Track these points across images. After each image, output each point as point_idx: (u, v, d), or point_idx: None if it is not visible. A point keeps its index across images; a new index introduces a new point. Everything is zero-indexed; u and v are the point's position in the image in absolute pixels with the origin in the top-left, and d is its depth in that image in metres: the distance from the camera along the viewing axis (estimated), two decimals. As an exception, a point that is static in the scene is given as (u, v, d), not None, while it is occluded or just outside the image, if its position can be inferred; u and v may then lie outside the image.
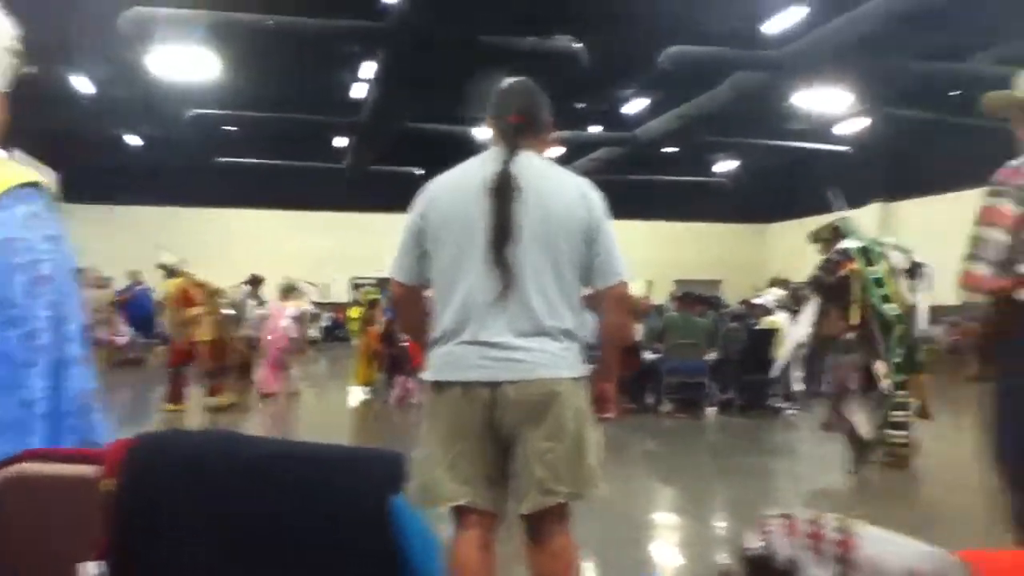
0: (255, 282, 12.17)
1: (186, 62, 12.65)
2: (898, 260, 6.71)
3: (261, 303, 11.68)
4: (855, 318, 6.54)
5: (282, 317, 10.92)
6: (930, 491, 6.35)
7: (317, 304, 19.29)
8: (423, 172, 17.30)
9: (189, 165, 20.13)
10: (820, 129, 18.58)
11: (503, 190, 2.43)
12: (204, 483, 1.32)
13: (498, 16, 11.20)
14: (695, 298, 11.09)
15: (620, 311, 2.59)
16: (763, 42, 13.24)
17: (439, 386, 2.48)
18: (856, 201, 21.72)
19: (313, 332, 17.09)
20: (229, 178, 21.36)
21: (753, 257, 24.86)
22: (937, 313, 7.49)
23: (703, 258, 25.05)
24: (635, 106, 18.74)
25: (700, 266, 24.57)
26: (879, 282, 6.56)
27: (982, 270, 2.99)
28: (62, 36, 11.44)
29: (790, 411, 9.72)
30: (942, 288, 4.75)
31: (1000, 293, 2.99)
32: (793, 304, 10.54)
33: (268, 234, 22.77)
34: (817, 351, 7.24)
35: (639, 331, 10.60)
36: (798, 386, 9.29)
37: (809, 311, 7.11)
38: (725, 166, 23.79)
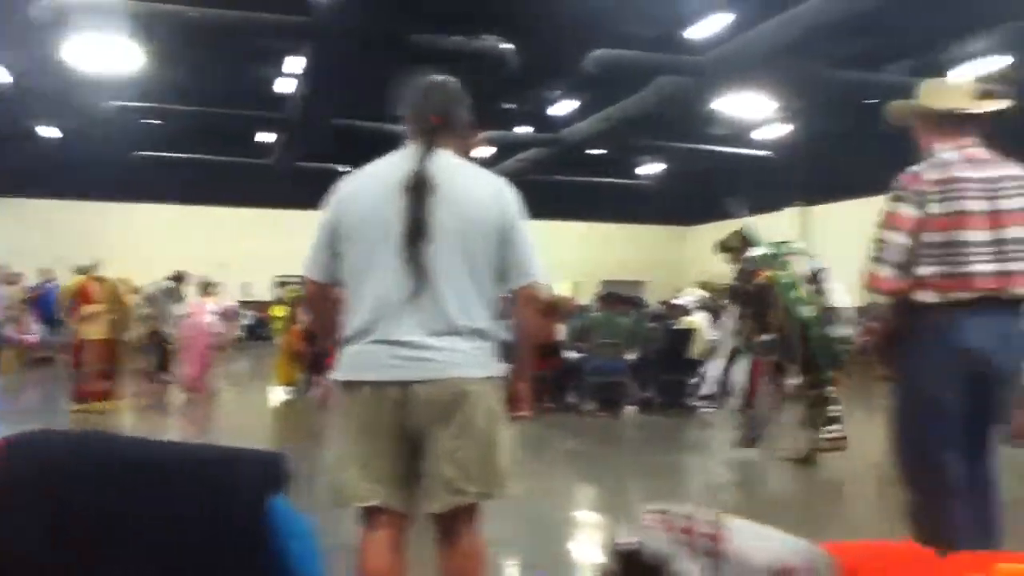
0: (179, 279, 11.92)
1: (106, 53, 12.25)
2: (801, 265, 6.94)
3: (179, 301, 11.44)
4: (774, 323, 6.78)
5: (204, 314, 10.72)
6: (837, 487, 6.56)
7: (240, 302, 18.97)
8: (351, 170, 16.92)
9: (108, 159, 19.51)
10: (742, 134, 19.01)
11: (418, 188, 2.41)
12: (69, 484, 1.29)
13: (427, 14, 11.19)
14: (617, 298, 11.25)
15: (534, 311, 2.59)
16: (687, 47, 13.47)
17: (350, 385, 2.46)
18: (776, 204, 22.43)
19: (235, 330, 16.76)
20: (150, 173, 20.78)
21: (675, 258, 25.32)
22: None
23: (628, 259, 25.40)
24: (563, 108, 18.88)
25: (625, 267, 24.90)
26: (792, 286, 6.80)
27: (884, 272, 3.11)
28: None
29: (707, 410, 9.92)
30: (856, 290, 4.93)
31: (899, 294, 3.12)
32: (713, 304, 10.80)
33: (191, 231, 22.28)
34: (735, 355, 7.43)
35: (562, 331, 10.70)
36: (715, 387, 9.50)
37: (730, 319, 7.32)
38: (650, 169, 24.14)
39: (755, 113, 16.16)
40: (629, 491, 6.29)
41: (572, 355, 10.42)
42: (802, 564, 1.36)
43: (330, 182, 2.65)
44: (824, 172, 19.63)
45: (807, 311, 6.68)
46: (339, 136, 17.60)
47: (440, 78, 2.68)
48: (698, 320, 10.65)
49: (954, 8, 11.42)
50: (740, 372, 7.09)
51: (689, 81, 13.55)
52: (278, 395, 10.76)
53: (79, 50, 12.25)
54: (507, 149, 19.78)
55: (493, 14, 12.25)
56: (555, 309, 11.13)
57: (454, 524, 2.46)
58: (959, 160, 3.12)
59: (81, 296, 9.09)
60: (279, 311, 12.48)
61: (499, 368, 2.53)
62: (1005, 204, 3.07)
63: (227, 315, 11.08)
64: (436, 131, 2.53)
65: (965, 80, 3.33)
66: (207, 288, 10.95)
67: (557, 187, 22.76)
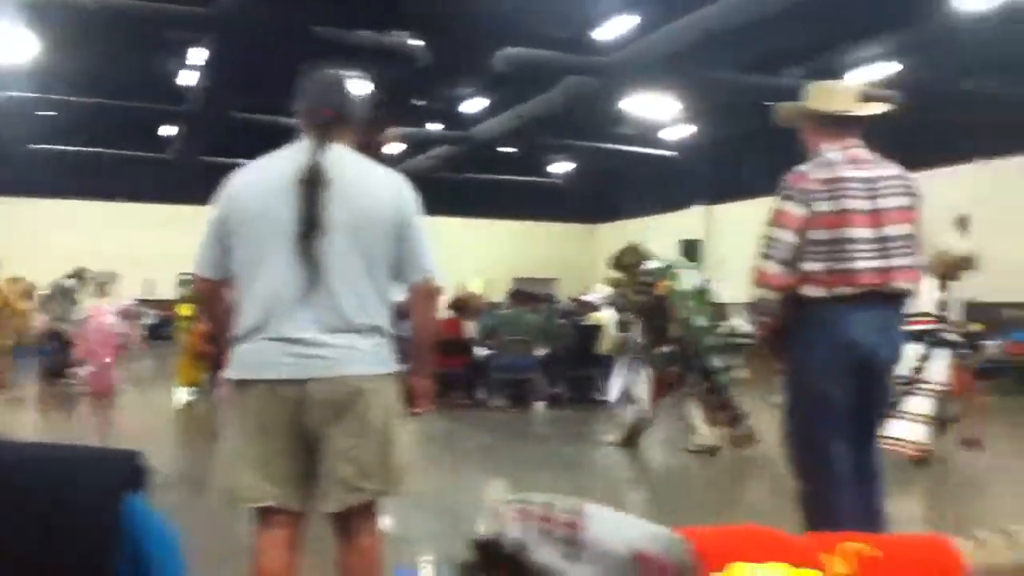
0: (79, 276, 11.48)
1: (-2, 41, 11.73)
2: (691, 279, 7.40)
3: (75, 302, 11.03)
4: (673, 334, 7.06)
5: (104, 315, 10.38)
6: (736, 477, 6.77)
7: (141, 301, 18.34)
8: (255, 165, 16.72)
9: (1, 152, 18.71)
10: (649, 134, 19.35)
11: (311, 183, 2.37)
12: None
13: (333, 8, 11.04)
14: (526, 295, 11.35)
15: (429, 307, 2.58)
16: (595, 48, 13.66)
17: (243, 384, 2.41)
18: (681, 203, 22.91)
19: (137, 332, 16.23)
20: (45, 166, 19.94)
21: (585, 255, 25.59)
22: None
23: (540, 256, 25.58)
24: (473, 105, 18.91)
25: (537, 264, 25.08)
26: (688, 295, 7.19)
27: (772, 268, 3.21)
28: None
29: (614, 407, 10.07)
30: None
31: (787, 290, 3.23)
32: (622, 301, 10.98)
33: (88, 226, 21.47)
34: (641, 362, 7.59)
35: (472, 328, 10.74)
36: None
37: (636, 330, 7.54)
38: (561, 167, 24.38)
39: (660, 114, 16.48)
40: (537, 485, 6.29)
41: (482, 352, 10.45)
42: (658, 549, 1.41)
43: (235, 177, 2.57)
44: (726, 172, 20.18)
45: (700, 320, 7.08)
46: (243, 130, 17.24)
47: (335, 71, 2.64)
48: (606, 316, 10.81)
49: (847, 16, 11.88)
50: (641, 386, 7.29)
51: (596, 81, 13.74)
52: (182, 396, 10.47)
53: (-32, 38, 11.69)
54: (418, 146, 19.72)
55: (401, 10, 12.19)
56: (464, 306, 11.17)
57: (352, 522, 2.44)
58: (843, 160, 3.24)
59: None
60: (184, 310, 12.13)
61: (396, 365, 2.51)
62: (885, 203, 3.20)
63: (127, 315, 10.72)
64: (330, 125, 2.48)
65: (848, 84, 3.45)
66: (103, 288, 10.58)
67: (468, 185, 22.78)
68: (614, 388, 8.06)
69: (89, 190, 21.24)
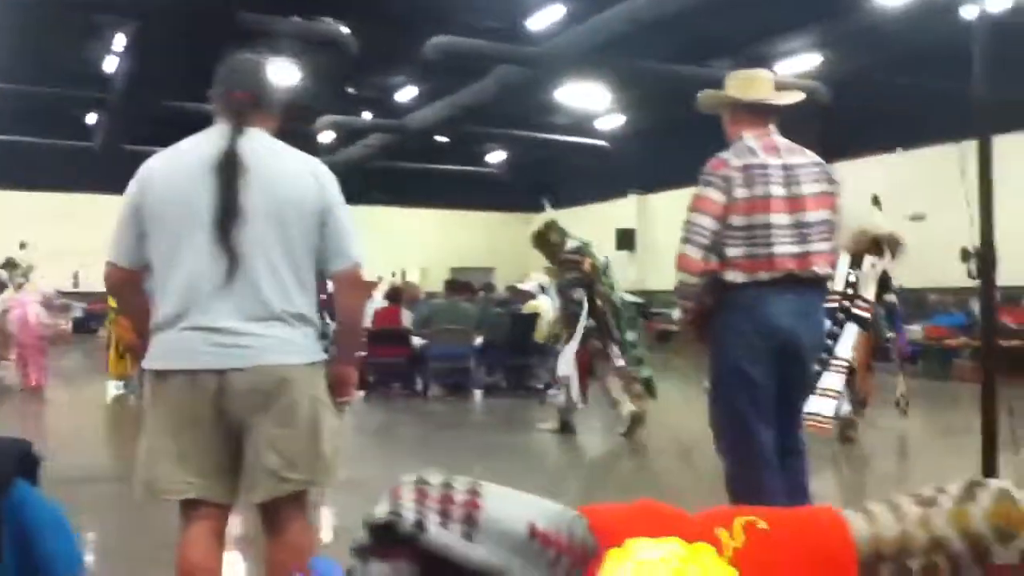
0: (10, 266, 11.12)
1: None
2: (599, 255, 7.60)
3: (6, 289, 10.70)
4: (597, 309, 7.27)
5: (27, 306, 10.10)
6: (667, 459, 6.89)
7: (64, 293, 17.82)
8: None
9: (-87, 140, 18.01)
10: (583, 123, 19.47)
11: (228, 168, 2.32)
12: None
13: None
14: (461, 285, 11.35)
15: (354, 294, 2.56)
16: (527, 38, 13.69)
17: (163, 375, 2.36)
18: (616, 193, 23.10)
19: (63, 324, 15.80)
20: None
21: (522, 245, 25.64)
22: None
23: (477, 246, 25.58)
24: (406, 94, 18.79)
25: (474, 253, 25.07)
26: (606, 270, 7.43)
27: (693, 253, 3.27)
28: None
29: (552, 392, 10.15)
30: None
31: (709, 275, 3.29)
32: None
33: (11, 217, 20.77)
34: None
35: (408, 318, 10.72)
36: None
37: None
38: (496, 156, 24.39)
39: (592, 103, 16.61)
40: (473, 473, 6.33)
41: (418, 342, 10.44)
42: (555, 526, 1.43)
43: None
44: (659, 162, 20.40)
45: (620, 296, 7.39)
46: (171, 118, 16.87)
47: (250, 55, 2.60)
48: (542, 304, 10.88)
49: (773, 8, 12.12)
50: (566, 363, 7.38)
51: (528, 71, 13.78)
52: (111, 389, 10.24)
53: None
54: (352, 135, 19.52)
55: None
56: (400, 295, 11.15)
57: (279, 513, 2.42)
58: (762, 148, 3.32)
59: None
60: (114, 302, 11.83)
61: (321, 353, 2.48)
62: (803, 189, 3.29)
63: (50, 306, 10.43)
64: (246, 109, 2.43)
65: (767, 73, 3.53)
66: (20, 278, 10.30)
67: (404, 174, 22.65)
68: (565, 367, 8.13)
69: (12, 179, 20.54)
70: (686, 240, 3.27)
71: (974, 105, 3.34)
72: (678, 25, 11.33)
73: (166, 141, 2.50)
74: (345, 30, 12.00)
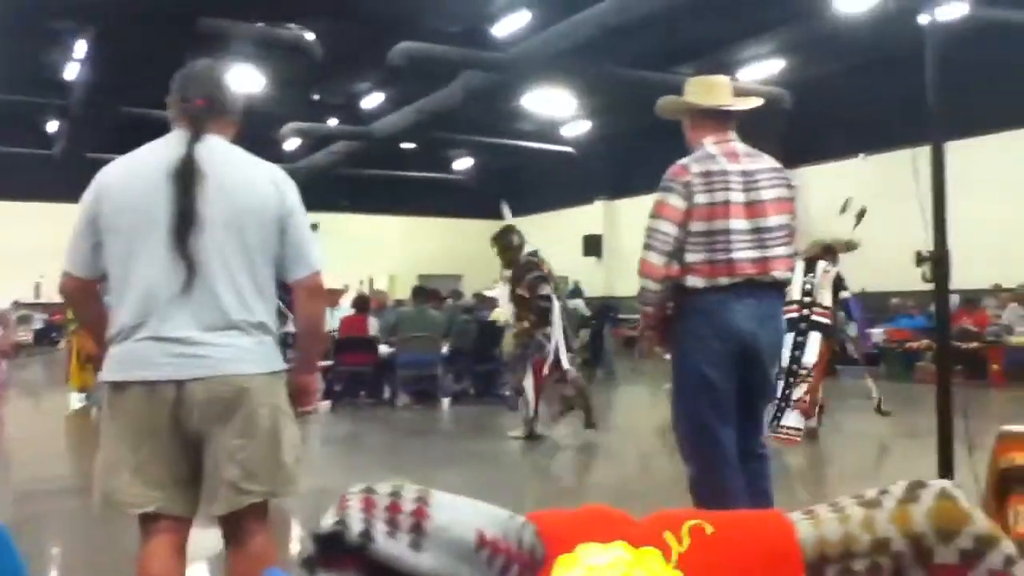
0: None
1: None
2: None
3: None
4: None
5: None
6: (636, 464, 6.92)
7: (26, 304, 17.57)
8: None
9: None
10: (549, 130, 19.54)
11: (186, 175, 2.30)
12: None
13: (223, 0, 10.79)
14: (428, 292, 11.33)
15: (315, 302, 2.53)
16: (492, 44, 13.72)
17: (120, 386, 2.32)
18: (583, 199, 23.19)
19: (23, 335, 15.60)
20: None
21: (490, 252, 25.65)
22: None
23: (445, 253, 25.54)
24: (372, 101, 18.75)
25: (442, 261, 25.04)
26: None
27: (655, 259, 3.30)
28: None
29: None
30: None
31: (670, 280, 3.32)
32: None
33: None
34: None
35: (375, 325, 10.68)
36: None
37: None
38: (463, 163, 24.40)
39: (559, 110, 16.67)
40: (440, 481, 6.32)
41: (385, 349, 10.41)
42: (503, 533, 1.44)
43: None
44: (625, 167, 20.57)
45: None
46: (131, 124, 16.71)
47: (208, 62, 2.59)
48: (503, 314, 10.89)
49: (737, 14, 12.25)
50: (528, 379, 7.46)
51: (494, 77, 13.81)
52: (73, 401, 10.09)
53: None
54: (318, 142, 19.43)
55: (296, 3, 12.00)
56: (366, 303, 11.11)
57: (241, 525, 2.39)
58: (722, 153, 3.36)
59: None
60: (71, 312, 11.68)
61: (281, 362, 2.46)
62: (762, 195, 3.32)
63: (3, 321, 10.27)
64: (203, 116, 2.41)
65: (725, 79, 3.57)
66: None
67: (371, 181, 22.58)
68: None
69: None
70: (648, 246, 3.29)
71: (927, 111, 3.40)
72: (643, 31, 11.42)
73: (128, 149, 2.47)
74: (310, 36, 11.95)
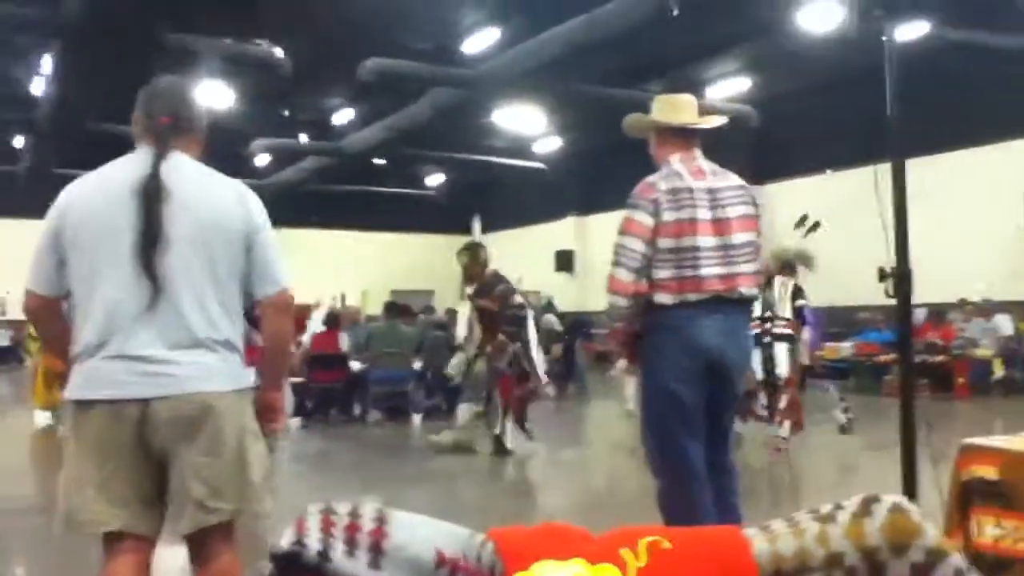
0: None
1: None
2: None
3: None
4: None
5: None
6: (597, 477, 6.95)
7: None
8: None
9: None
10: (520, 146, 19.61)
11: (151, 193, 2.29)
12: None
13: (188, 14, 10.74)
14: (400, 308, 11.30)
15: (282, 319, 2.52)
16: (462, 61, 13.77)
17: (84, 404, 2.30)
18: (555, 215, 23.27)
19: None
20: None
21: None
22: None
23: (418, 268, 25.48)
24: (343, 116, 18.73)
25: (415, 276, 24.97)
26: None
27: (624, 275, 3.32)
28: None
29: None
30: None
31: (638, 296, 3.35)
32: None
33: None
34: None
35: (347, 341, 10.62)
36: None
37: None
38: (435, 179, 24.42)
39: (529, 126, 16.74)
40: (408, 499, 6.32)
41: (357, 366, 10.36)
42: (462, 551, 1.45)
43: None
44: (596, 183, 20.66)
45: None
46: (98, 140, 16.55)
47: (171, 79, 2.58)
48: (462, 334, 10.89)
49: (703, 33, 12.40)
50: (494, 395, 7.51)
51: (464, 93, 13.86)
52: (39, 419, 9.95)
53: None
54: (288, 158, 19.37)
55: (265, 19, 11.97)
56: (338, 320, 11.06)
57: (207, 543, 2.37)
58: (688, 171, 3.40)
59: None
60: (34, 330, 11.48)
61: (248, 379, 2.45)
62: (728, 212, 3.37)
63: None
64: (168, 133, 2.41)
65: (690, 97, 3.61)
66: None
67: (342, 197, 22.53)
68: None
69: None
70: (616, 263, 3.32)
71: (888, 128, 3.46)
72: (611, 50, 11.52)
73: (96, 164, 2.46)
74: (279, 52, 11.92)
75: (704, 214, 3.33)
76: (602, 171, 20.14)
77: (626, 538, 1.53)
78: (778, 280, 7.15)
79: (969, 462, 2.83)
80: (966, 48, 12.16)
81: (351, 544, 1.43)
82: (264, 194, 2.52)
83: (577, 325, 14.96)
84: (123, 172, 2.36)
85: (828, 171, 15.95)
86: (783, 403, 7.02)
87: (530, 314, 7.49)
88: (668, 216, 3.29)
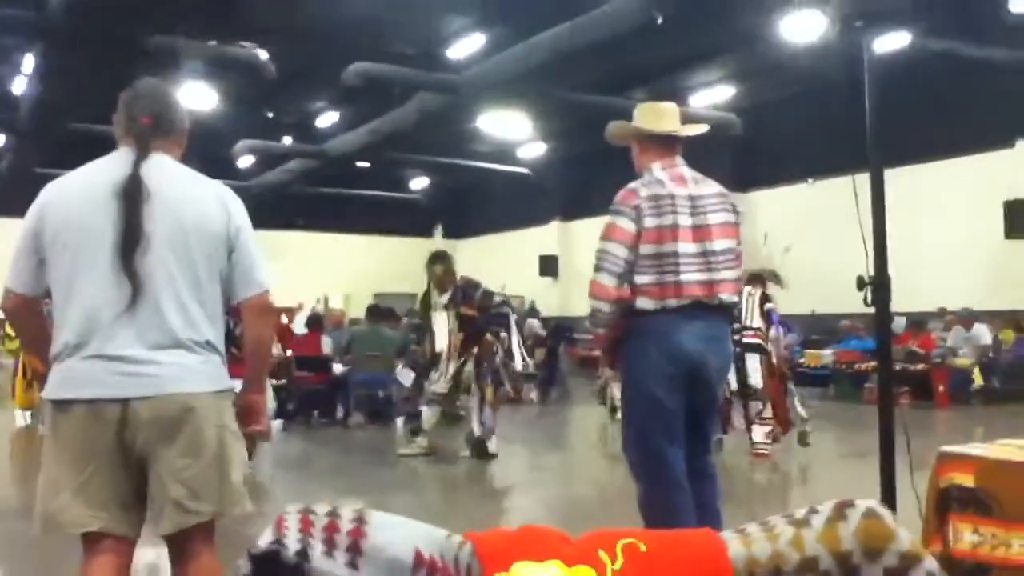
0: None
1: None
2: None
3: None
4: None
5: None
6: (580, 481, 6.95)
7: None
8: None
9: None
10: (504, 151, 19.64)
11: (132, 194, 2.28)
12: None
13: (172, 16, 10.70)
14: (383, 311, 11.29)
15: (263, 322, 2.52)
16: (447, 66, 13.79)
17: (62, 405, 2.29)
18: (539, 220, 23.30)
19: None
20: None
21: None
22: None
23: (402, 272, 25.40)
24: (327, 119, 18.70)
25: (397, 279, 24.92)
26: None
27: (606, 280, 3.34)
28: None
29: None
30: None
31: (621, 302, 3.37)
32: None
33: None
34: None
35: (329, 344, 10.60)
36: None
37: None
38: (419, 182, 24.41)
39: (513, 131, 16.77)
40: (389, 502, 6.31)
41: (339, 368, 10.33)
42: (440, 552, 1.45)
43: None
44: (580, 189, 20.72)
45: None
46: (80, 140, 16.45)
47: (151, 80, 2.58)
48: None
49: (687, 41, 12.46)
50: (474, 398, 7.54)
51: (449, 98, 13.87)
52: (18, 419, 9.87)
53: None
54: (272, 160, 19.32)
55: (250, 22, 11.95)
56: (320, 322, 11.03)
57: (187, 545, 2.37)
58: (669, 178, 3.42)
59: None
60: (12, 329, 11.39)
61: (228, 381, 2.44)
62: (708, 219, 3.40)
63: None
64: (148, 134, 2.41)
65: (672, 105, 3.64)
66: None
67: (326, 199, 22.48)
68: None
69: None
70: (599, 268, 3.34)
71: (866, 138, 3.49)
72: (597, 56, 11.56)
73: (77, 164, 2.46)
74: (263, 55, 11.89)
75: (685, 220, 3.35)
76: (586, 177, 20.19)
77: (603, 540, 1.54)
78: (746, 290, 7.20)
79: (947, 469, 2.86)
80: (947, 58, 12.27)
81: (330, 544, 1.43)
82: (247, 196, 2.53)
83: (560, 330, 14.99)
84: (104, 172, 2.36)
85: (809, 180, 16.05)
86: (767, 412, 7.08)
87: (512, 317, 7.47)
88: (649, 222, 3.31)
